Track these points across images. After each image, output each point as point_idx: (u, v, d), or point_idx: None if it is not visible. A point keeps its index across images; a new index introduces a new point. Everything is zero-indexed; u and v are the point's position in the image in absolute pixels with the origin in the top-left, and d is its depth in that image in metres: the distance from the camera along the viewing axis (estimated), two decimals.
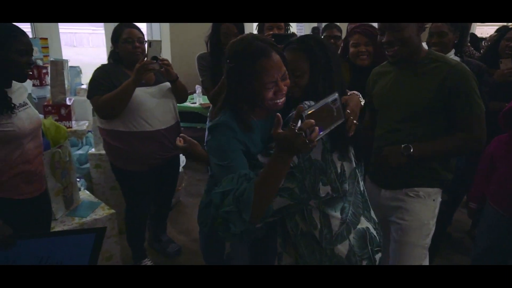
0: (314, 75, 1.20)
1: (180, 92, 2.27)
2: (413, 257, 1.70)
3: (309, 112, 0.93)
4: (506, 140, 1.97)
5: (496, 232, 2.10)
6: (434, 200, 1.70)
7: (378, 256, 1.26)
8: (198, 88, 4.73)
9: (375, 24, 1.83)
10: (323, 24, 3.85)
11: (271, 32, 2.29)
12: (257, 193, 1.02)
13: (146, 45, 2.07)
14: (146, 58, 1.97)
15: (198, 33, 3.09)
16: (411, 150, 1.56)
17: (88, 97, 2.10)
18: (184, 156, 3.36)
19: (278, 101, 1.16)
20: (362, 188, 1.28)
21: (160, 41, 2.09)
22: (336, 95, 1.00)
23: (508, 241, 2.12)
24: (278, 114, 0.99)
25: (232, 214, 1.04)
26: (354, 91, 1.36)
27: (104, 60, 2.37)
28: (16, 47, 1.45)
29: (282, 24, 2.38)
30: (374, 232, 1.27)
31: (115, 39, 2.12)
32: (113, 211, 2.34)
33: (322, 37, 2.68)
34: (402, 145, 1.57)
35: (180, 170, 3.32)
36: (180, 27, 5.08)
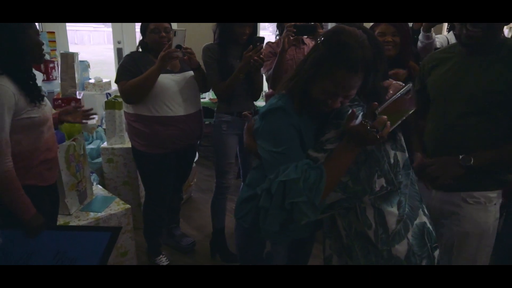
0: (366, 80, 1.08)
1: (203, 81, 2.27)
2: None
3: (382, 108, 0.95)
4: None
5: None
6: (495, 204, 1.48)
7: (436, 253, 1.17)
8: None
9: None
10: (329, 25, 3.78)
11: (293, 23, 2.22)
12: (326, 182, 1.00)
13: (171, 34, 2.11)
14: (171, 47, 2.01)
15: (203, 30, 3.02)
16: (471, 162, 1.34)
17: (116, 81, 2.18)
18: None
19: (325, 108, 1.08)
20: (414, 179, 1.19)
21: (185, 30, 2.09)
22: (410, 85, 0.99)
23: None
24: (353, 109, 0.99)
25: (303, 204, 0.98)
26: (398, 81, 1.26)
27: (108, 57, 2.36)
28: (33, 27, 1.52)
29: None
30: (431, 227, 1.18)
31: (143, 30, 2.19)
32: (128, 206, 2.28)
33: None
34: (461, 156, 1.36)
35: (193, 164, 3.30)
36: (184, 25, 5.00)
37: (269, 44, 2.47)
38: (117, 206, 2.25)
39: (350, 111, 1.02)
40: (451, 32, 2.83)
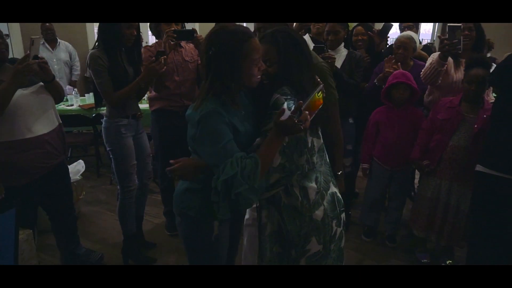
0: (283, 64, 1.38)
1: (58, 92, 2.12)
2: None
3: (305, 105, 1.19)
4: (385, 110, 2.53)
5: (382, 183, 2.68)
6: None
7: (343, 215, 1.50)
8: (70, 89, 4.33)
9: None
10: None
11: (172, 28, 2.34)
12: (260, 167, 1.22)
13: (30, 44, 1.87)
14: (29, 57, 1.80)
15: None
16: None
17: None
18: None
19: (258, 77, 1.33)
20: (327, 160, 1.50)
21: (40, 37, 1.93)
22: (321, 86, 1.25)
23: (390, 188, 2.73)
24: (283, 107, 1.22)
25: (245, 191, 1.19)
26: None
27: None
28: None
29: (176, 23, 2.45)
30: (340, 196, 1.51)
31: None
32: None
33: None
34: None
35: (78, 178, 3.10)
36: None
37: (147, 48, 2.55)
38: None
39: (281, 109, 1.25)
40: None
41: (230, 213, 1.27)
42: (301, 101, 1.20)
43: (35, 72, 1.85)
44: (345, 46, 2.71)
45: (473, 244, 2.03)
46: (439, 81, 2.37)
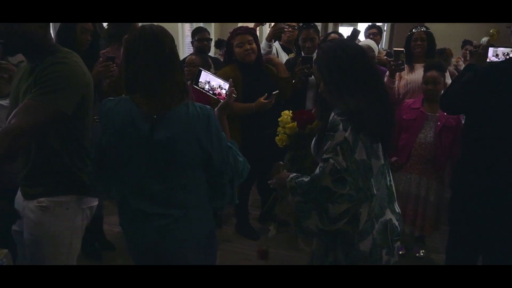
0: None
1: None
2: None
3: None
4: None
5: None
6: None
7: (396, 244, 1.33)
8: None
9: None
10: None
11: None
12: None
13: None
14: None
15: None
16: None
17: None
18: None
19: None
20: (389, 183, 1.36)
21: (2, 41, 1.85)
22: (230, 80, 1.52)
23: None
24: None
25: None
26: None
27: None
28: None
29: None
30: (396, 223, 1.34)
31: None
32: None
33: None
34: None
35: None
36: None
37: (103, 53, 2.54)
38: None
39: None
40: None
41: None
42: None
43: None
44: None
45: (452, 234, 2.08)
46: (396, 96, 2.71)
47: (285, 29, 2.84)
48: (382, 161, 1.31)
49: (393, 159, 2.50)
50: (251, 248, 2.62)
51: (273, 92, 2.30)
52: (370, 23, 3.67)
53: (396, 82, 2.71)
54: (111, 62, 2.15)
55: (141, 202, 1.29)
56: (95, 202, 1.59)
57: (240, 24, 2.58)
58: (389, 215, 1.33)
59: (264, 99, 2.30)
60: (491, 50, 1.95)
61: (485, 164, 1.73)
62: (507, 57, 1.94)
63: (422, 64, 2.59)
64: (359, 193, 1.20)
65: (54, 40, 2.15)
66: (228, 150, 1.32)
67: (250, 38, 2.34)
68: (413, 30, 2.76)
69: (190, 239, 1.35)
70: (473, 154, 1.80)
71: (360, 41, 3.35)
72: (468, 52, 2.55)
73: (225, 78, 2.29)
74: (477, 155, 1.77)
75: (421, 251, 2.69)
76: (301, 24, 2.87)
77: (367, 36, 3.44)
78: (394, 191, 1.40)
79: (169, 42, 1.22)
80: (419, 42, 2.72)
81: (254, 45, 2.37)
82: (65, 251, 1.51)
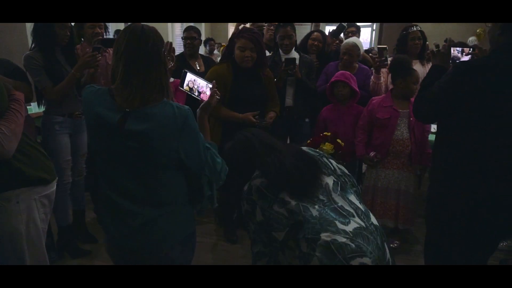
0: None
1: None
2: None
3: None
4: (332, 107, 2.78)
5: None
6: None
7: (355, 261, 1.22)
8: None
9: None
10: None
11: (94, 31, 2.47)
12: None
13: None
14: None
15: None
16: None
17: None
18: None
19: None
20: (341, 202, 1.34)
21: None
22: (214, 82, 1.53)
23: None
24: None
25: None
26: None
27: None
28: None
29: (103, 24, 2.53)
30: (345, 240, 1.24)
31: None
32: None
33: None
34: None
35: None
36: None
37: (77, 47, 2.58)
38: None
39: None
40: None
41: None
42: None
43: None
44: (295, 50, 2.87)
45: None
46: (383, 91, 2.80)
47: (264, 26, 2.84)
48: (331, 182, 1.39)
49: (371, 154, 2.53)
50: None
51: (267, 117, 2.40)
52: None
53: (382, 78, 2.82)
54: (97, 53, 2.20)
55: (122, 200, 1.30)
56: (50, 189, 1.59)
57: (230, 25, 2.57)
58: (329, 237, 1.24)
59: (254, 117, 2.34)
60: (459, 49, 1.86)
61: (473, 168, 1.51)
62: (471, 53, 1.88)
63: (417, 61, 2.85)
64: (267, 247, 1.38)
65: (32, 38, 2.23)
66: (206, 151, 1.32)
67: (253, 46, 2.30)
68: (409, 29, 2.88)
69: (169, 239, 1.35)
70: (458, 159, 1.56)
71: (344, 38, 3.37)
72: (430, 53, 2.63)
73: (215, 75, 2.27)
74: (463, 160, 1.54)
75: (396, 242, 2.74)
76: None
77: (345, 34, 3.46)
78: (359, 207, 1.37)
79: (153, 42, 1.23)
80: (417, 41, 2.89)
81: (255, 54, 2.32)
82: (26, 244, 1.52)
